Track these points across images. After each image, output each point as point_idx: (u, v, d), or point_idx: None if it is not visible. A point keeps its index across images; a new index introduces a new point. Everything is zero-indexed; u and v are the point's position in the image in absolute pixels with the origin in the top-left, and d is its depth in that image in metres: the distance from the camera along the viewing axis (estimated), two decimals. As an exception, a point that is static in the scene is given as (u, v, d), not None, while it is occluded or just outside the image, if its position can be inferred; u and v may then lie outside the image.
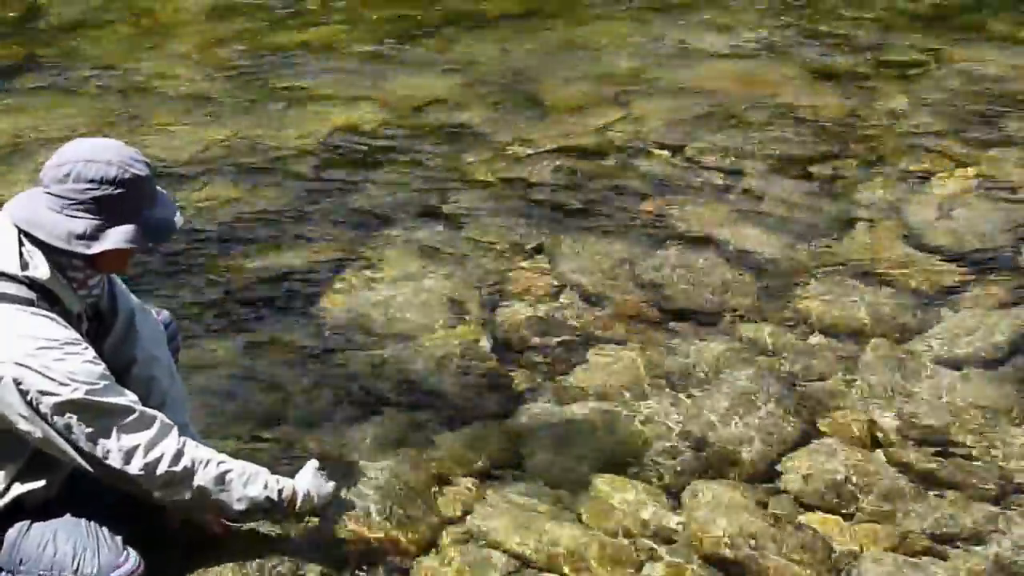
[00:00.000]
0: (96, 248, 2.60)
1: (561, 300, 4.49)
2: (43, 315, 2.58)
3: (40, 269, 2.60)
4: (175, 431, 2.69)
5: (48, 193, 2.60)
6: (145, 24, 8.40)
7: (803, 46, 7.39)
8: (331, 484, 3.05)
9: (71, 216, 2.59)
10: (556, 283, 4.61)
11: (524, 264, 4.77)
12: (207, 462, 2.71)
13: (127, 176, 2.60)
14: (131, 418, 2.62)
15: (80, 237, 2.59)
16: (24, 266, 2.59)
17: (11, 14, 8.76)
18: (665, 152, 5.86)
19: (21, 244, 2.60)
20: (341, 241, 5.00)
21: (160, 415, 2.69)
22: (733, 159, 5.75)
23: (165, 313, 3.26)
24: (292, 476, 2.95)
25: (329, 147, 6.05)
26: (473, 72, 7.16)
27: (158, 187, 2.74)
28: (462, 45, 7.66)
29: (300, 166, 5.81)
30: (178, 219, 2.73)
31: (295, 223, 5.18)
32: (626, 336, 4.24)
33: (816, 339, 4.22)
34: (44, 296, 2.61)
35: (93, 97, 6.91)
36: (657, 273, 4.67)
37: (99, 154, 2.61)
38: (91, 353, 2.62)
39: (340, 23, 8.27)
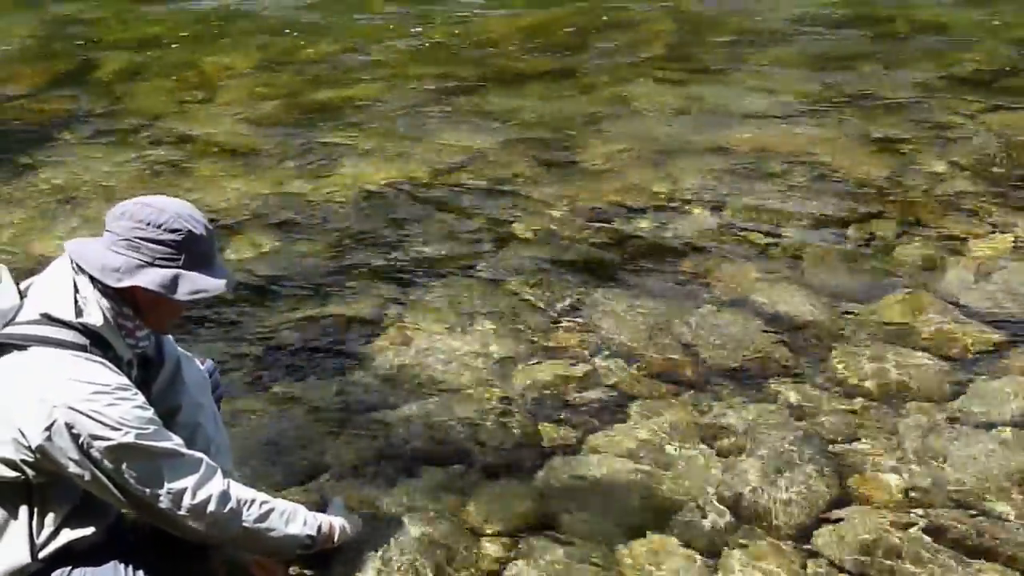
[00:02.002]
0: (125, 282, 2.65)
1: (597, 358, 4.50)
2: (96, 361, 2.64)
3: (94, 316, 2.66)
4: (220, 473, 2.74)
5: (106, 231, 2.70)
6: (192, 78, 8.60)
7: (841, 108, 7.42)
8: (357, 517, 3.18)
9: (115, 252, 2.67)
10: (592, 340, 4.63)
11: (561, 321, 4.80)
12: (251, 502, 2.77)
13: (176, 226, 2.67)
14: (179, 461, 2.67)
15: (113, 270, 2.65)
16: (79, 313, 2.65)
17: (63, 68, 8.99)
18: (703, 211, 5.89)
19: (76, 291, 2.67)
20: (379, 295, 5.05)
21: (205, 457, 2.74)
22: (771, 219, 5.77)
23: (209, 362, 3.32)
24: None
25: (369, 202, 6.13)
26: (513, 129, 7.25)
27: (217, 257, 2.79)
28: (502, 102, 7.76)
29: (340, 220, 5.90)
30: (220, 284, 2.74)
31: (334, 277, 5.26)
32: (662, 395, 4.24)
33: (852, 401, 4.20)
34: (96, 342, 2.67)
35: (140, 148, 7.08)
36: (693, 332, 4.68)
37: (158, 202, 2.70)
38: (141, 399, 2.68)
39: (382, 80, 8.42)
